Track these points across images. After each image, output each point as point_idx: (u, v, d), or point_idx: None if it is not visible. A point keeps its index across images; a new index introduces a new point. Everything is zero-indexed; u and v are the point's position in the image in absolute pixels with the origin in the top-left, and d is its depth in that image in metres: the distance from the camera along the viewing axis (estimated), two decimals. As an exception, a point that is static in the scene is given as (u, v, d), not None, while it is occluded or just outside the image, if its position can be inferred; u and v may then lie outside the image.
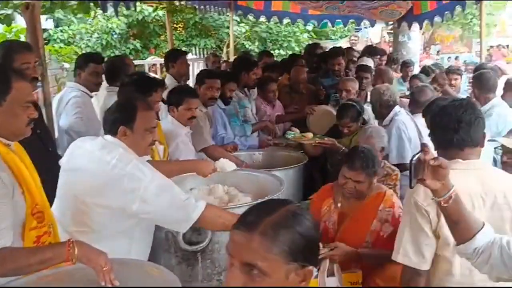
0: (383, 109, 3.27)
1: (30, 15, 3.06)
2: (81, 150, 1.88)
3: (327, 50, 6.83)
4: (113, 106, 1.94)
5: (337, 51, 5.06)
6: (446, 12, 5.32)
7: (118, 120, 1.85)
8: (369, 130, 2.92)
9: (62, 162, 1.92)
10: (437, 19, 5.65)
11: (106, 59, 3.62)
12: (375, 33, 13.58)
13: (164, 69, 4.74)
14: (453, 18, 6.04)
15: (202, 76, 3.37)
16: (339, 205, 2.27)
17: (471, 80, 4.19)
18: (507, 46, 14.16)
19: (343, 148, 3.14)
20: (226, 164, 2.35)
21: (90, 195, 1.76)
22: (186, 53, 4.31)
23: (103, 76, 3.28)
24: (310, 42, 11.33)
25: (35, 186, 1.56)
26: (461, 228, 1.33)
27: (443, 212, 1.36)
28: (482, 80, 3.43)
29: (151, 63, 7.66)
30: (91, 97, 3.28)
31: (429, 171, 1.29)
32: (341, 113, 3.33)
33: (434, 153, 1.40)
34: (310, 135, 3.52)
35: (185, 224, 1.77)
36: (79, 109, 2.99)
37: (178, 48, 5.76)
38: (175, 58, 3.99)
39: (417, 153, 1.32)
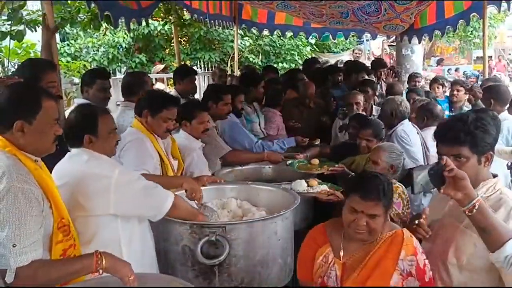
0: (394, 119, 3.33)
1: (46, 32, 3.14)
2: (54, 172, 1.94)
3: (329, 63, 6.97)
4: (72, 119, 2.00)
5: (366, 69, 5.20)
6: (448, 26, 5.40)
7: (81, 130, 1.92)
8: (382, 144, 2.84)
9: None
10: (437, 33, 5.73)
11: (114, 72, 3.68)
12: (376, 46, 13.72)
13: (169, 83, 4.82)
14: (455, 32, 6.13)
15: (218, 93, 3.43)
16: (341, 253, 1.73)
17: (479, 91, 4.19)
18: (491, 57, 14.42)
19: (352, 174, 2.94)
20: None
21: (72, 208, 1.80)
22: (195, 72, 4.36)
23: (111, 90, 3.32)
24: (313, 55, 11.46)
25: (60, 200, 1.61)
26: (491, 236, 1.38)
27: (470, 220, 1.41)
28: (499, 92, 3.48)
29: (159, 76, 7.79)
30: None
31: (450, 182, 1.35)
32: (365, 123, 3.15)
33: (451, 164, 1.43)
34: (316, 161, 3.15)
35: (160, 211, 1.88)
36: None
37: (189, 66, 5.82)
38: (183, 76, 4.04)
39: (434, 164, 1.38)
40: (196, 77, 4.65)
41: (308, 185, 2.71)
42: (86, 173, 1.83)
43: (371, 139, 3.02)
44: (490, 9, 5.02)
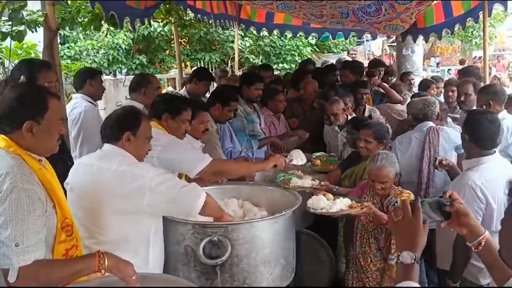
0: (414, 121, 3.31)
1: (48, 33, 3.13)
2: (81, 166, 1.99)
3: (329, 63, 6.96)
4: (116, 114, 2.04)
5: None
6: (457, 24, 5.39)
7: (123, 126, 1.97)
8: (380, 157, 2.53)
9: (67, 183, 1.99)
10: (445, 32, 5.71)
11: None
12: (376, 46, 13.74)
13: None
14: (464, 29, 6.10)
15: (229, 98, 3.41)
16: None
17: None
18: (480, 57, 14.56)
19: (336, 188, 2.81)
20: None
21: (102, 205, 1.85)
22: (213, 78, 4.54)
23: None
24: (314, 55, 11.46)
25: (64, 200, 1.61)
26: (497, 271, 1.33)
27: (476, 255, 1.39)
28: (496, 92, 3.47)
29: (171, 77, 7.88)
30: (96, 105, 3.57)
31: (454, 217, 1.34)
32: (366, 123, 2.99)
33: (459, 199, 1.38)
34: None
35: (193, 210, 1.92)
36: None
37: (208, 70, 5.94)
38: (201, 77, 4.20)
39: (436, 197, 1.36)
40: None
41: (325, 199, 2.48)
42: (124, 172, 1.86)
43: (370, 140, 2.84)
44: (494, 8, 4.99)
